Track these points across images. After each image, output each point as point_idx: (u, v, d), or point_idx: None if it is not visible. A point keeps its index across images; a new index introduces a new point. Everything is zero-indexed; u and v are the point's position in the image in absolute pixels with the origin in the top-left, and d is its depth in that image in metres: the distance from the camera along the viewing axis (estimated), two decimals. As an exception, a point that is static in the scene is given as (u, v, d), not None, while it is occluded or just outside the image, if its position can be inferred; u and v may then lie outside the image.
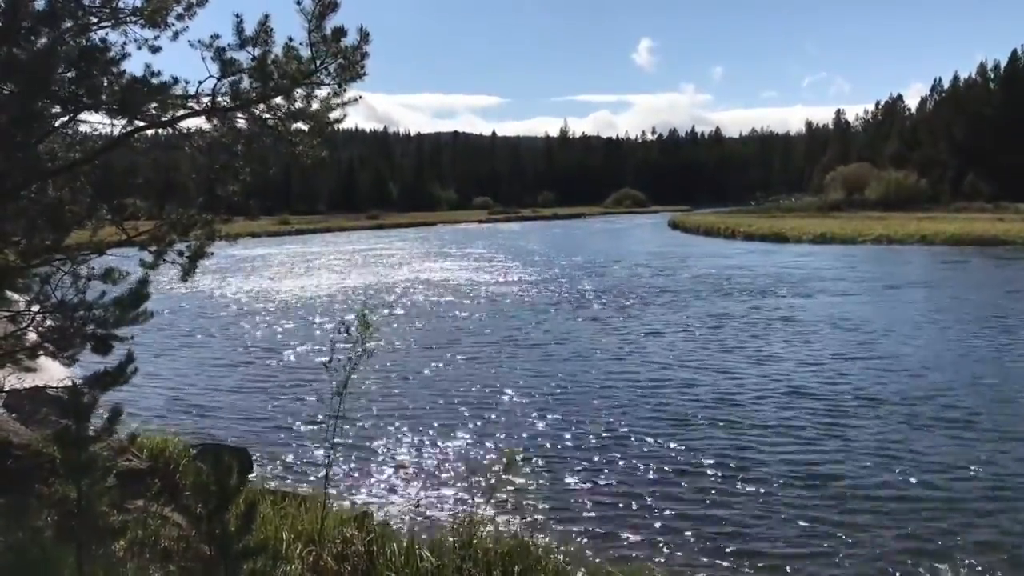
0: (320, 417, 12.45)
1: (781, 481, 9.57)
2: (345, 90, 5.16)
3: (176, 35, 5.24)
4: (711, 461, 10.26)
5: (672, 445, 10.94)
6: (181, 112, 5.19)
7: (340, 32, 4.98)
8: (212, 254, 5.84)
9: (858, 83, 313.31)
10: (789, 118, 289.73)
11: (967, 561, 7.46)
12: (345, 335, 7.01)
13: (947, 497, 9.03)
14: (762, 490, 9.28)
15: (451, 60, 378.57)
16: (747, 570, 7.44)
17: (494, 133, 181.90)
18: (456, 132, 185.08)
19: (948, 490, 9.24)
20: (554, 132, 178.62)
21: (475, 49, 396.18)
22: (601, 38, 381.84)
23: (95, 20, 5.05)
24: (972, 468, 9.86)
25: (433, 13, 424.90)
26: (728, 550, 7.81)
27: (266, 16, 4.96)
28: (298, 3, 4.85)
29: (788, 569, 7.41)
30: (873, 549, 7.77)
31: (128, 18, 5.07)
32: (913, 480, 9.55)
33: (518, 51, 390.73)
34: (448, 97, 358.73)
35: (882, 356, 16.67)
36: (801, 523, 8.39)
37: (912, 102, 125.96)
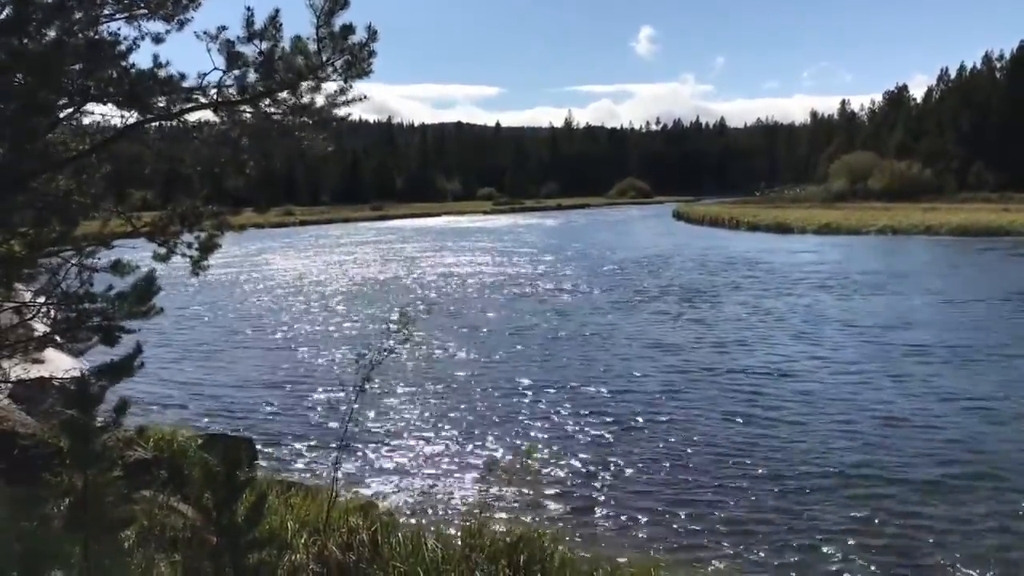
0: (326, 408, 12.48)
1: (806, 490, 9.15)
2: (351, 86, 5.16)
3: (182, 25, 5.22)
4: (720, 450, 10.29)
5: (681, 441, 10.96)
6: (188, 105, 5.17)
7: (348, 29, 4.98)
8: (221, 246, 5.84)
9: (860, 73, 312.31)
10: (790, 108, 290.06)
11: None
12: (386, 328, 7.07)
13: None
14: (768, 489, 9.30)
15: (448, 50, 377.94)
16: (753, 563, 7.46)
17: (498, 124, 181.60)
18: (460, 123, 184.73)
19: None
20: (556, 122, 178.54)
21: (472, 38, 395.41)
22: (601, 27, 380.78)
23: (107, 12, 5.04)
24: None
25: (429, 1, 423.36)
26: (736, 545, 7.79)
27: (276, 10, 4.95)
28: None
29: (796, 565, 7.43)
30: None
31: (139, 9, 5.05)
32: None
33: (517, 40, 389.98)
34: (447, 87, 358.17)
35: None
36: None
37: (915, 92, 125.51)
